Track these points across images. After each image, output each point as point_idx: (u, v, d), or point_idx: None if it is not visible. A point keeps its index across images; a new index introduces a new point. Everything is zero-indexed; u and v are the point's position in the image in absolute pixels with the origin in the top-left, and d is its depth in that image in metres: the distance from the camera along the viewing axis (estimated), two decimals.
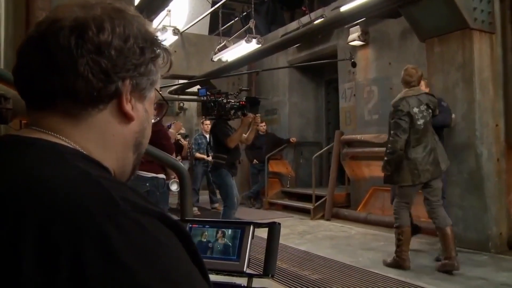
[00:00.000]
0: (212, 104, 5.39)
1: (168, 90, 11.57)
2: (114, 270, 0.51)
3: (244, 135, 5.53)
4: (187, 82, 10.48)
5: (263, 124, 9.48)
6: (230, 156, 5.37)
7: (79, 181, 0.59)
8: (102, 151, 0.71)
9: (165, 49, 0.76)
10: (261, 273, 1.20)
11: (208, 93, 5.61)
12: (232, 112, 5.43)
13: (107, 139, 0.72)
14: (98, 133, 0.70)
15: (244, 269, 1.22)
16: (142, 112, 0.76)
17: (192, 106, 14.35)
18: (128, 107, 0.71)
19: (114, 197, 0.57)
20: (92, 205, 0.55)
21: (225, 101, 5.40)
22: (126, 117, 0.72)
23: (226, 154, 5.34)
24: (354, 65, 7.55)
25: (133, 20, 0.71)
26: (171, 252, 0.57)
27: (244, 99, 5.53)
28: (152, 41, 0.73)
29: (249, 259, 1.23)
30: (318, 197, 8.00)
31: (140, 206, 0.58)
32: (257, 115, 5.49)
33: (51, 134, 0.67)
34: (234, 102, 5.45)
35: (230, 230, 1.27)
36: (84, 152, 0.68)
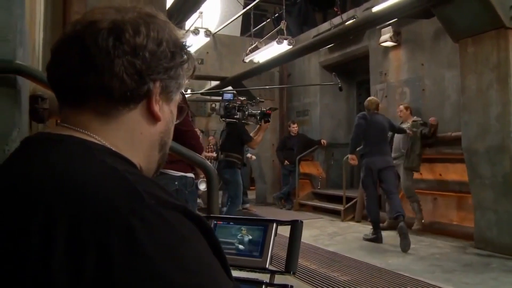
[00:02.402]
0: (236, 109, 5.99)
1: (200, 91, 11.68)
2: (137, 262, 0.54)
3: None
4: (216, 85, 10.59)
5: (295, 125, 9.50)
6: (242, 156, 6.17)
7: (106, 175, 0.62)
8: (130, 148, 0.74)
9: (191, 55, 0.80)
10: (283, 270, 1.21)
11: (234, 98, 6.21)
12: (258, 118, 6.03)
13: (135, 137, 0.75)
14: (127, 131, 0.73)
15: (267, 266, 1.22)
16: (168, 113, 0.79)
17: None
18: (156, 108, 0.74)
19: (139, 191, 0.60)
20: (118, 199, 0.58)
21: (247, 108, 6.06)
22: (154, 117, 0.75)
23: (240, 154, 6.12)
24: (340, 89, 8.24)
25: (164, 26, 0.74)
26: (192, 245, 0.60)
27: (269, 108, 6.12)
28: (181, 47, 0.77)
29: (271, 256, 1.24)
30: (349, 199, 7.95)
31: (164, 200, 0.61)
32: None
33: (82, 132, 0.70)
34: (257, 110, 6.10)
35: (253, 227, 1.28)
36: (113, 149, 0.71)
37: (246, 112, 6.03)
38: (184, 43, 0.78)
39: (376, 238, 5.91)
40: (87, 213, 0.57)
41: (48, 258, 0.55)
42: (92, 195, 0.59)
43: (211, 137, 10.22)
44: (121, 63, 0.68)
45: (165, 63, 0.73)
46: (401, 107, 6.98)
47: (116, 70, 0.68)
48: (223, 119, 6.19)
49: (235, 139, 6.16)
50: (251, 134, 6.16)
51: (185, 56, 0.77)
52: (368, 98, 6.46)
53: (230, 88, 10.40)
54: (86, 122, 0.71)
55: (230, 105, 6.08)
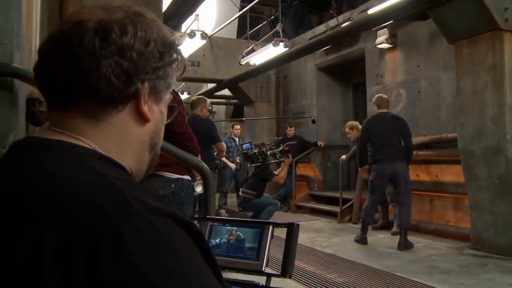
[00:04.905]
0: (256, 153, 7.33)
1: (197, 93, 11.70)
2: (126, 270, 0.54)
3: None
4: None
5: (292, 128, 9.52)
6: (258, 192, 7.18)
7: (95, 183, 0.61)
8: (120, 150, 0.73)
9: (181, 54, 0.78)
10: (279, 273, 1.21)
11: (251, 146, 7.61)
12: (278, 156, 7.47)
13: (125, 139, 0.74)
14: (116, 133, 0.72)
15: (263, 269, 1.22)
16: (158, 113, 0.78)
17: (220, 109, 14.44)
18: (145, 109, 0.73)
19: (128, 198, 0.59)
20: (107, 207, 0.57)
21: (268, 150, 7.40)
22: (143, 118, 0.74)
23: (255, 191, 7.15)
24: (313, 122, 9.41)
25: (152, 25, 0.73)
26: (181, 251, 0.59)
27: (286, 145, 7.75)
28: (170, 46, 0.75)
29: (267, 258, 1.23)
30: (346, 201, 7.95)
31: (153, 206, 0.60)
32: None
33: (71, 136, 0.70)
34: (276, 149, 7.57)
35: (250, 230, 1.27)
36: (102, 153, 0.70)
37: (268, 153, 7.35)
38: (173, 42, 0.76)
39: (361, 239, 5.88)
40: (77, 221, 0.56)
41: (38, 266, 0.54)
42: (81, 203, 0.58)
43: None
44: (108, 64, 0.67)
45: (153, 63, 0.71)
46: (347, 129, 7.22)
47: (103, 71, 0.67)
48: (249, 165, 7.62)
49: (257, 178, 7.28)
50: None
51: (174, 55, 0.76)
52: (378, 95, 6.23)
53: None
54: (75, 125, 0.70)
55: (250, 153, 7.40)
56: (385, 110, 5.98)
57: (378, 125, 5.91)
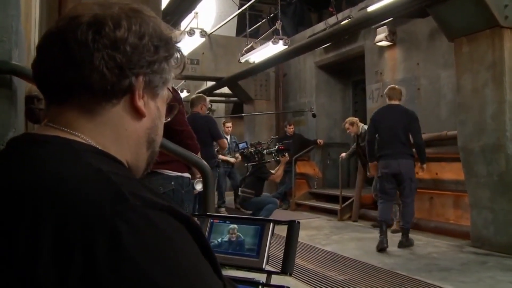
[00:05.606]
0: (253, 152, 7.49)
1: (196, 91, 11.70)
2: (123, 266, 0.53)
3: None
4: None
5: (291, 127, 9.52)
6: (256, 190, 7.20)
7: (91, 178, 0.61)
8: (116, 145, 0.73)
9: (179, 50, 0.78)
10: (280, 270, 1.20)
11: (248, 145, 7.83)
12: (273, 155, 7.61)
13: (120, 133, 0.73)
14: (111, 128, 0.72)
15: (263, 266, 1.21)
16: (154, 109, 0.77)
17: (220, 108, 14.44)
18: (140, 103, 0.73)
19: (124, 192, 0.58)
20: (103, 202, 0.57)
21: (264, 149, 7.54)
22: (138, 113, 0.74)
23: (254, 190, 7.18)
24: (314, 116, 9.47)
25: (149, 20, 0.73)
26: (179, 246, 0.58)
27: (281, 144, 8.02)
28: (166, 41, 0.74)
29: (268, 256, 1.23)
30: (345, 198, 7.96)
31: (150, 201, 0.59)
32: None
33: (67, 131, 0.69)
34: (272, 148, 7.73)
35: (250, 227, 1.26)
36: (99, 147, 0.70)
37: (264, 152, 7.48)
38: (169, 37, 0.75)
39: (380, 242, 5.43)
40: (73, 217, 0.56)
41: (34, 262, 0.54)
42: (77, 198, 0.57)
43: None
44: (101, 57, 0.67)
45: (147, 56, 0.71)
46: (347, 125, 7.30)
47: (96, 63, 0.67)
48: (246, 164, 7.72)
49: (254, 177, 7.33)
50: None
51: (172, 51, 0.76)
52: (390, 86, 5.92)
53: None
54: (71, 120, 0.70)
55: (246, 152, 7.62)
56: (396, 103, 5.65)
57: (386, 117, 5.62)
